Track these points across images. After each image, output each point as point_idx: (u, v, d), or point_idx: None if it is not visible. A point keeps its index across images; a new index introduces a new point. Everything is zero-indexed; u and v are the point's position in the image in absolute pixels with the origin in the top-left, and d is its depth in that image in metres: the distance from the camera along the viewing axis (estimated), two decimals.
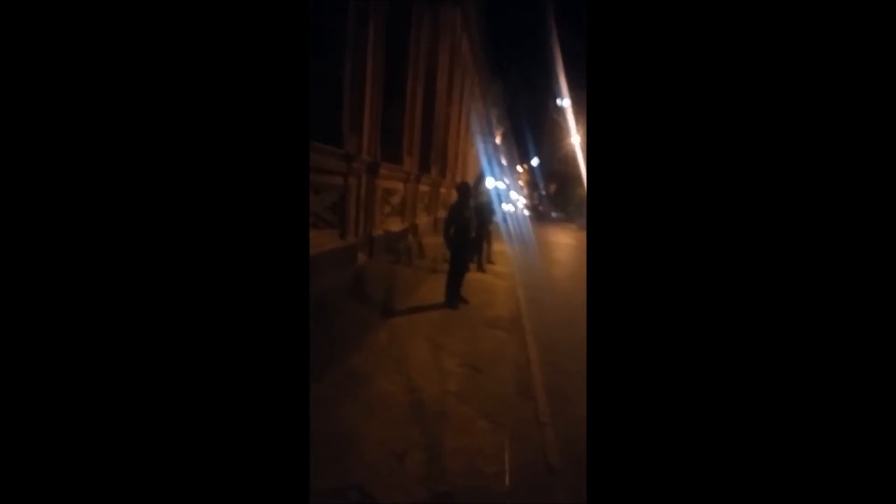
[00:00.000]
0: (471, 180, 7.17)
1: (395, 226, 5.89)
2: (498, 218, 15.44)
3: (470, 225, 5.63)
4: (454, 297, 5.53)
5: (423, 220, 7.73)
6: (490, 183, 12.54)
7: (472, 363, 3.86)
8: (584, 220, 28.90)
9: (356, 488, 2.23)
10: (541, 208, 28.97)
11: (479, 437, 2.76)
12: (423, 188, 7.43)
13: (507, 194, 22.66)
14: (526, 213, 21.30)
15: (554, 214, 28.09)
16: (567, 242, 17.40)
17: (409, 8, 5.66)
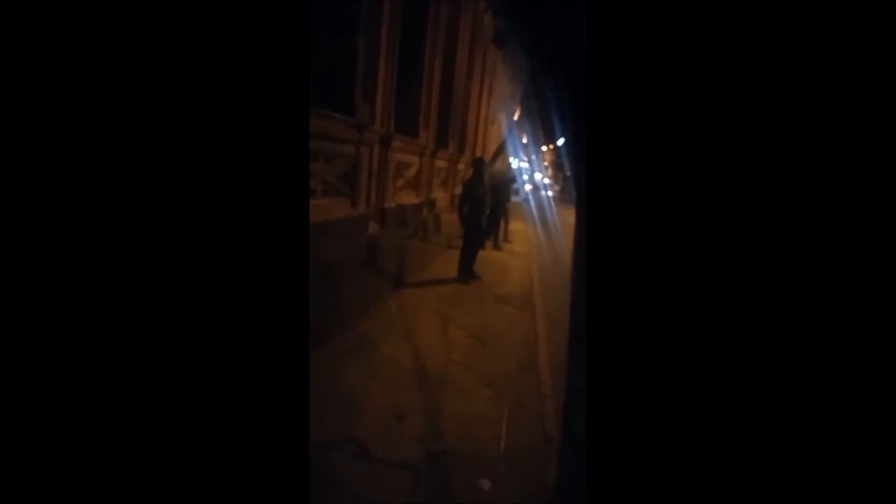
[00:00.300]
0: (488, 157, 7.15)
1: (410, 199, 5.93)
2: (520, 197, 15.35)
3: (484, 201, 5.64)
4: (467, 272, 5.58)
5: (440, 195, 7.74)
6: (513, 162, 12.45)
7: (478, 336, 3.91)
8: None
9: (355, 442, 2.33)
10: (559, 189, 28.60)
11: (479, 405, 2.83)
12: (440, 163, 7.42)
13: (531, 174, 22.43)
14: (549, 193, 21.07)
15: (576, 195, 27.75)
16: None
17: None
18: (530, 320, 4.67)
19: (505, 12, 2.24)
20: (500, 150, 7.37)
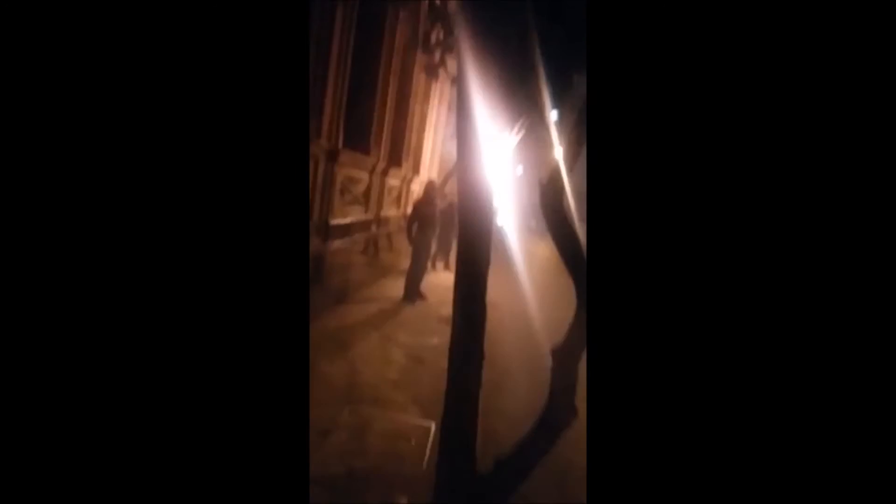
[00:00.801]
0: (440, 181, 7.26)
1: (358, 215, 5.91)
2: None
3: (433, 222, 5.69)
4: (413, 292, 5.57)
5: (392, 213, 7.75)
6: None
7: (416, 355, 3.89)
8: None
9: None
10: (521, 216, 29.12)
11: (407, 424, 2.80)
12: (393, 182, 7.45)
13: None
14: (509, 220, 21.46)
15: (533, 224, 28.25)
16: (544, 255, 17.54)
17: (384, 5, 5.69)
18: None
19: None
20: (452, 173, 7.48)
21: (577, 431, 2.71)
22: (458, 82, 1.84)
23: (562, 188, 3.81)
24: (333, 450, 2.41)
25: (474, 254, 1.84)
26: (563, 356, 2.35)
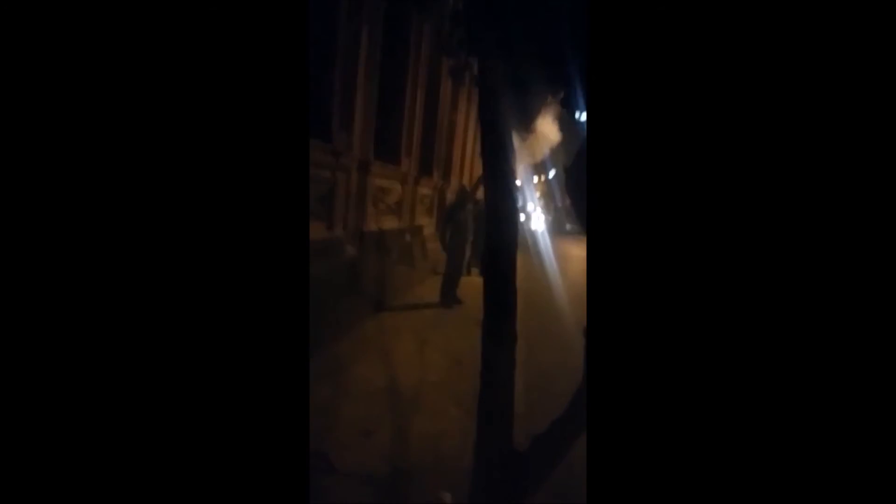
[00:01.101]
0: (470, 187, 7.31)
1: (391, 224, 6.01)
2: None
3: (466, 227, 5.74)
4: (449, 296, 5.62)
5: (425, 222, 7.84)
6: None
7: (455, 357, 3.92)
8: None
9: (320, 456, 2.32)
10: (551, 220, 28.87)
11: (449, 423, 2.83)
12: (424, 191, 7.54)
13: (524, 204, 22.74)
14: (541, 223, 21.28)
15: (568, 227, 27.89)
16: (578, 255, 17.35)
17: (408, 16, 5.81)
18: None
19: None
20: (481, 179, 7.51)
21: None
22: (480, 81, 1.88)
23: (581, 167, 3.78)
24: (376, 450, 2.47)
25: (502, 243, 1.88)
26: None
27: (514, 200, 1.90)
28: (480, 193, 7.88)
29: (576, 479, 2.31)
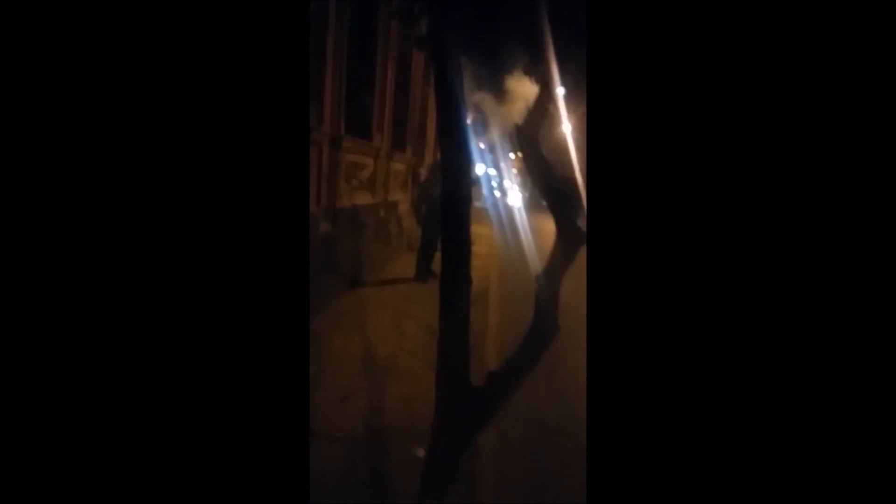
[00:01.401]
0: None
1: (365, 199, 6.04)
2: (487, 203, 15.60)
3: (436, 201, 5.80)
4: (424, 270, 5.70)
5: (400, 197, 7.88)
6: (480, 169, 12.66)
7: (429, 326, 4.03)
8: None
9: None
10: (528, 196, 29.03)
11: (424, 386, 2.95)
12: (398, 166, 7.56)
13: (500, 180, 22.80)
14: (517, 198, 21.41)
15: (544, 203, 28.05)
16: (552, 229, 17.51)
17: None
18: (482, 313, 4.81)
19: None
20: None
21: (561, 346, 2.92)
22: (434, 54, 1.94)
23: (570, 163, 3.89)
24: (352, 414, 2.58)
25: (455, 202, 1.99)
26: (545, 278, 2.53)
27: (466, 164, 1.99)
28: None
29: (574, 479, 2.48)
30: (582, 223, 2.61)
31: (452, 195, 1.99)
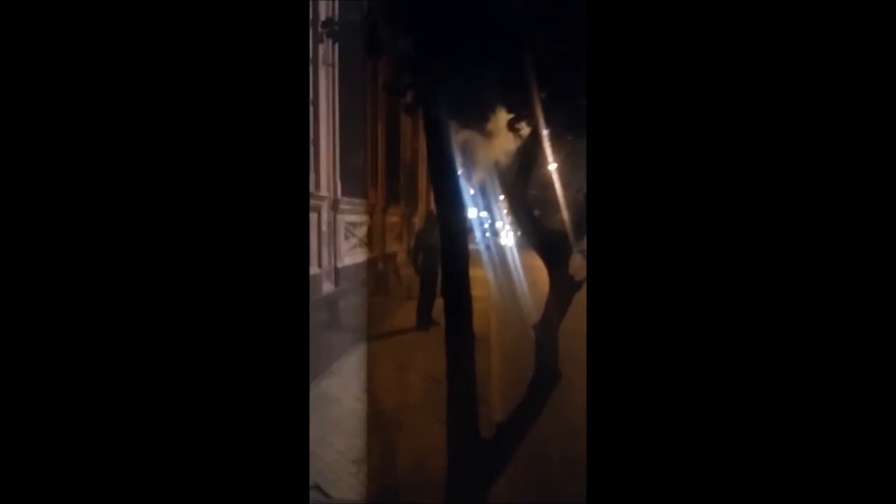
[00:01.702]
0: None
1: (363, 255, 6.20)
2: (480, 245, 15.79)
3: (436, 250, 5.94)
4: (424, 319, 5.78)
5: (397, 248, 8.05)
6: (472, 212, 12.89)
7: (433, 377, 4.09)
8: (581, 246, 29.05)
9: (316, 488, 2.47)
10: (520, 235, 29.28)
11: (432, 440, 3.00)
12: (393, 219, 7.76)
13: (492, 221, 23.05)
14: (511, 239, 21.63)
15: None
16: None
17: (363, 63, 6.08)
18: (485, 358, 4.87)
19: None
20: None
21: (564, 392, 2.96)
22: (424, 118, 2.09)
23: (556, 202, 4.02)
24: (367, 474, 2.63)
25: (454, 255, 2.10)
26: (542, 329, 2.63)
27: (461, 215, 2.13)
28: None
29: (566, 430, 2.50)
30: (573, 270, 2.74)
31: (449, 246, 2.10)
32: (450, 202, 2.08)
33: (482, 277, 11.06)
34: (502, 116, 2.77)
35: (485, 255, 13.95)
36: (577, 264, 4.04)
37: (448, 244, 2.10)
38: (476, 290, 9.24)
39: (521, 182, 2.91)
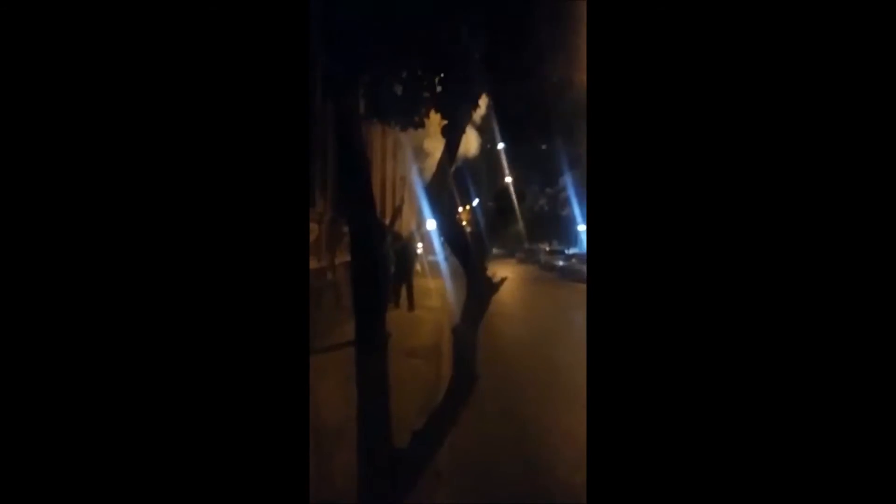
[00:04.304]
0: (388, 220, 7.49)
1: (311, 265, 6.02)
2: (438, 257, 15.82)
3: (386, 260, 5.85)
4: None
5: (347, 260, 7.89)
6: (430, 224, 12.91)
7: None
8: (523, 254, 29.88)
9: None
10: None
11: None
12: (344, 228, 7.62)
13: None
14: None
15: (495, 251, 28.61)
16: (506, 276, 17.76)
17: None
18: (436, 368, 4.80)
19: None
20: (398, 211, 7.74)
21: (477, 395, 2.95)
22: (336, 120, 1.99)
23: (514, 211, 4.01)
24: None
25: (366, 262, 2.02)
26: (461, 332, 2.59)
27: (372, 218, 2.03)
28: (397, 226, 8.10)
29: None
30: (483, 272, 2.69)
31: (358, 249, 2.02)
32: (359, 204, 2.00)
33: (440, 288, 11.03)
34: (433, 117, 2.75)
35: (442, 266, 13.98)
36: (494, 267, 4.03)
37: (358, 248, 2.01)
38: (434, 301, 9.24)
39: (437, 181, 2.86)
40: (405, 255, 7.88)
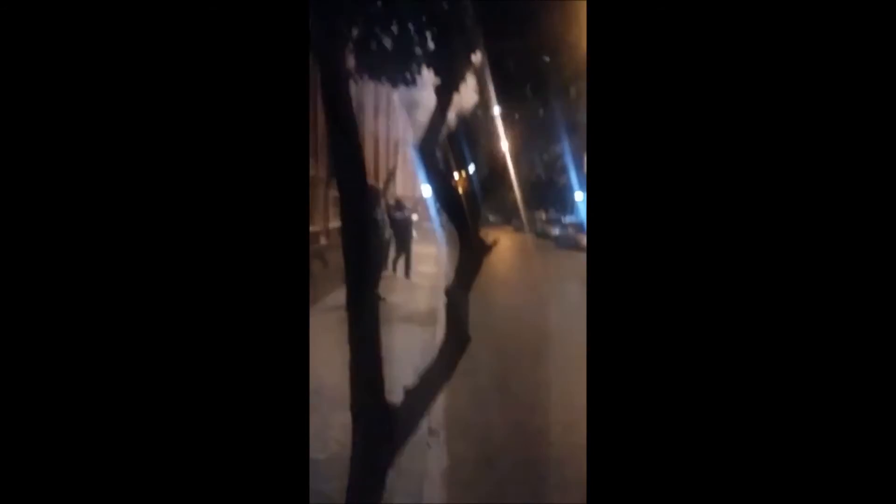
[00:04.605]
0: (381, 184, 7.41)
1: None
2: (434, 224, 15.80)
3: (382, 225, 5.84)
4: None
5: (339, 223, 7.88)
6: (427, 191, 12.85)
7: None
8: (519, 222, 29.81)
9: None
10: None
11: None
12: (337, 193, 7.57)
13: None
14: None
15: (491, 218, 28.58)
16: (504, 244, 17.79)
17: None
18: (431, 333, 4.84)
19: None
20: (392, 176, 7.68)
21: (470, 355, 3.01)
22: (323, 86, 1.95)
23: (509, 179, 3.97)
24: None
25: (355, 220, 2.01)
26: (454, 293, 2.60)
27: (361, 180, 2.00)
28: (392, 192, 8.04)
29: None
30: (476, 233, 2.68)
31: (349, 212, 1.99)
32: (349, 166, 1.95)
33: (434, 254, 11.04)
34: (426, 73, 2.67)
35: (438, 232, 13.95)
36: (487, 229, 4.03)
37: (348, 210, 1.98)
38: (428, 266, 9.29)
39: (428, 139, 2.79)
40: (403, 223, 7.83)
